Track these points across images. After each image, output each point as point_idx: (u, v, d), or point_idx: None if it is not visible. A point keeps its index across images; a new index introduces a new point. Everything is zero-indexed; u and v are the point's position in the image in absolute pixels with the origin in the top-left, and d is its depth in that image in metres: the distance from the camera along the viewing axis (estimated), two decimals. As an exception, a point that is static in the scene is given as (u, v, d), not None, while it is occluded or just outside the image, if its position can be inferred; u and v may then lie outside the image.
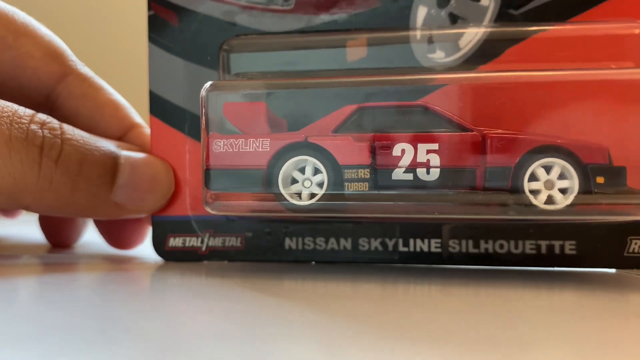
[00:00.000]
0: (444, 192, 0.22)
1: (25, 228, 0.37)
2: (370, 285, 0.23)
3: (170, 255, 0.27)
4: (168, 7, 0.27)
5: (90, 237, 0.33)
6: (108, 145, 0.26)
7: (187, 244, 0.27)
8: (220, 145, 0.23)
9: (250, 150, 0.23)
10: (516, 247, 0.25)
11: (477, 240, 0.25)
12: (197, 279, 0.24)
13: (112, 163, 0.26)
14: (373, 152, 0.22)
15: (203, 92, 0.24)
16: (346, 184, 0.22)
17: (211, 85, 0.24)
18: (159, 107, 0.27)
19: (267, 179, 0.23)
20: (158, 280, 0.24)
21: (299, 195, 0.23)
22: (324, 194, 0.23)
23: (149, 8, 0.27)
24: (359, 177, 0.22)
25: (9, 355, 0.14)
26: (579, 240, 0.24)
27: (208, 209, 0.24)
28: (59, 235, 0.32)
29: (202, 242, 0.27)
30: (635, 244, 0.24)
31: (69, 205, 0.25)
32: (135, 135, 0.29)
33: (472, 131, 0.22)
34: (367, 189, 0.22)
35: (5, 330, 0.16)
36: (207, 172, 0.24)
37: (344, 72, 0.25)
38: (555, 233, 0.24)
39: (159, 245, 0.27)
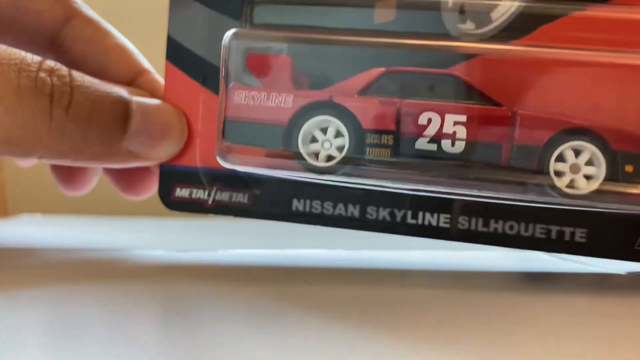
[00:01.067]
0: (467, 166, 0.22)
1: (25, 228, 0.37)
2: (370, 285, 0.23)
3: (175, 206, 0.26)
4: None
5: (90, 236, 0.32)
6: (119, 91, 0.25)
7: (193, 196, 0.26)
8: (241, 97, 0.23)
9: (273, 105, 0.23)
10: (526, 229, 0.24)
11: (487, 219, 0.24)
12: (197, 279, 0.23)
13: (124, 109, 0.25)
14: (398, 118, 0.22)
15: (226, 40, 0.23)
16: (368, 149, 0.22)
17: (234, 33, 0.23)
18: (176, 53, 0.26)
19: (287, 136, 0.23)
20: (159, 281, 0.24)
21: (317, 156, 0.22)
22: (343, 157, 0.22)
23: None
24: (382, 143, 0.22)
25: (9, 356, 0.14)
26: (591, 229, 0.24)
27: (220, 161, 0.23)
28: (72, 180, 0.32)
29: (208, 195, 0.26)
30: (647, 237, 0.23)
31: (82, 154, 0.25)
32: (145, 81, 0.29)
33: (502, 106, 0.22)
34: (389, 155, 0.22)
35: (5, 331, 0.16)
36: (225, 122, 0.23)
37: (369, 33, 0.25)
38: (567, 219, 0.24)
39: (165, 194, 0.26)
